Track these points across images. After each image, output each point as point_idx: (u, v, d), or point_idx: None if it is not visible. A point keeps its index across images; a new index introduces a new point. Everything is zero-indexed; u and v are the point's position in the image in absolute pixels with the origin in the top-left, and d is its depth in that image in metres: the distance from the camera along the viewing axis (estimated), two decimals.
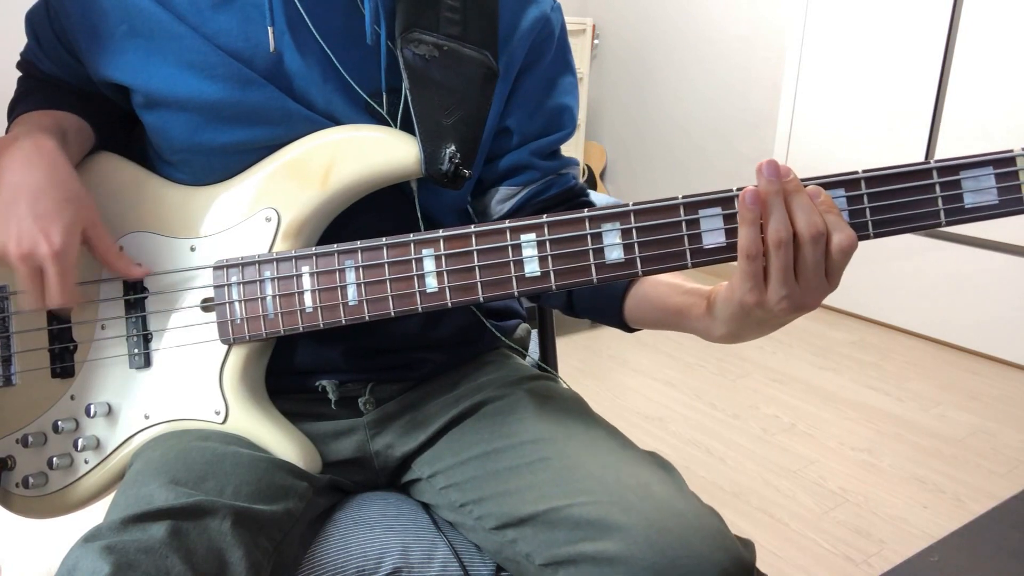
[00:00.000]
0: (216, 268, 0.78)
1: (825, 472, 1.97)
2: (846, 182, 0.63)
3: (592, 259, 0.68)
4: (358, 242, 0.73)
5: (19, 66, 0.91)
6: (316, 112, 0.79)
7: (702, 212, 0.65)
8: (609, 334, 2.84)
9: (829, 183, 0.63)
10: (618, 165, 3.99)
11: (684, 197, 0.66)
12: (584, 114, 3.63)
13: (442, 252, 0.71)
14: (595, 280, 0.68)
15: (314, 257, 0.75)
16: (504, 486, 0.76)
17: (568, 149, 0.91)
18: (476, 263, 0.70)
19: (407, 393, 0.89)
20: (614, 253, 0.67)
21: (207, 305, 0.79)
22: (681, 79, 3.59)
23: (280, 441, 0.79)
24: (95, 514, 0.75)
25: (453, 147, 0.77)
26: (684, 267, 0.67)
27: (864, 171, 0.63)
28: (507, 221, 0.70)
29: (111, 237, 0.79)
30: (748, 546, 0.71)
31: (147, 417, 0.80)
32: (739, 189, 0.63)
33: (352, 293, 0.74)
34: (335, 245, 0.74)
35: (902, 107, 2.80)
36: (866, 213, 0.63)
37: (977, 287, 2.70)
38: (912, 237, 2.83)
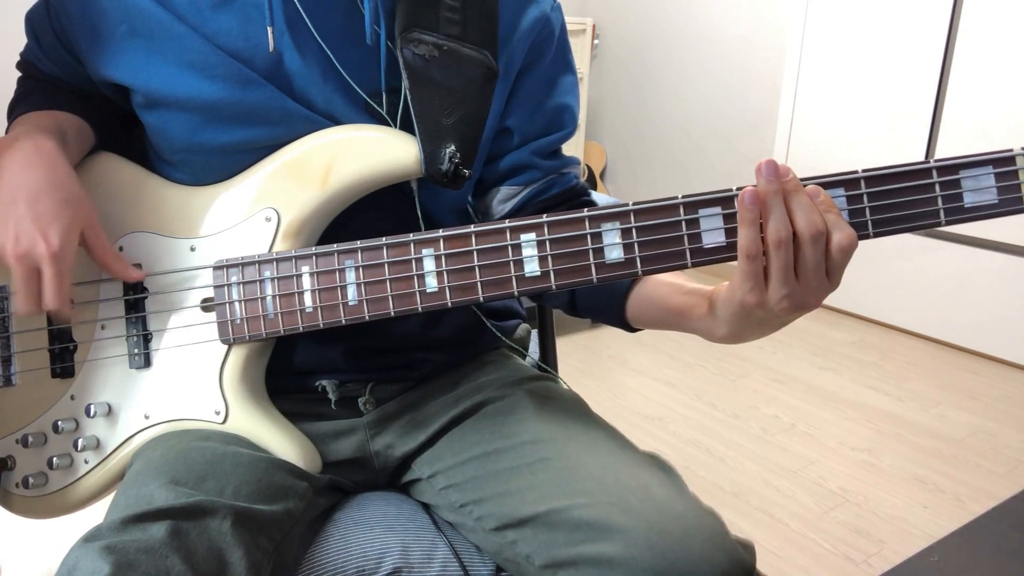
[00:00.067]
0: (216, 268, 0.78)
1: (825, 472, 1.97)
2: (845, 181, 0.63)
3: (592, 259, 0.68)
4: (358, 242, 0.73)
5: (19, 66, 0.91)
6: (316, 112, 0.79)
7: (702, 212, 0.65)
8: (609, 334, 2.84)
9: (828, 182, 0.63)
10: (618, 165, 3.99)
11: (684, 197, 0.66)
12: (584, 114, 3.63)
13: (442, 252, 0.71)
14: (595, 280, 0.68)
15: (314, 257, 0.75)
16: (504, 487, 0.76)
17: (568, 149, 0.91)
18: (476, 263, 0.70)
19: (407, 393, 0.89)
20: (614, 253, 0.67)
21: (207, 305, 0.79)
22: (681, 79, 3.59)
23: (280, 441, 0.79)
24: (95, 514, 0.75)
25: (453, 147, 0.77)
26: (684, 267, 0.67)
27: (864, 170, 0.63)
28: (507, 221, 0.70)
29: (109, 240, 0.79)
30: (748, 548, 0.71)
31: (147, 417, 0.80)
32: (739, 188, 0.63)
33: (352, 293, 0.74)
34: (335, 245, 0.74)
35: (902, 107, 2.80)
36: (866, 212, 0.63)
37: (977, 287, 2.70)
38: (912, 237, 2.83)
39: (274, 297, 0.76)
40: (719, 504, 1.82)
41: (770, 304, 0.62)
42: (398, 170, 0.77)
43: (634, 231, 0.67)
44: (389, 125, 0.79)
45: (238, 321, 0.77)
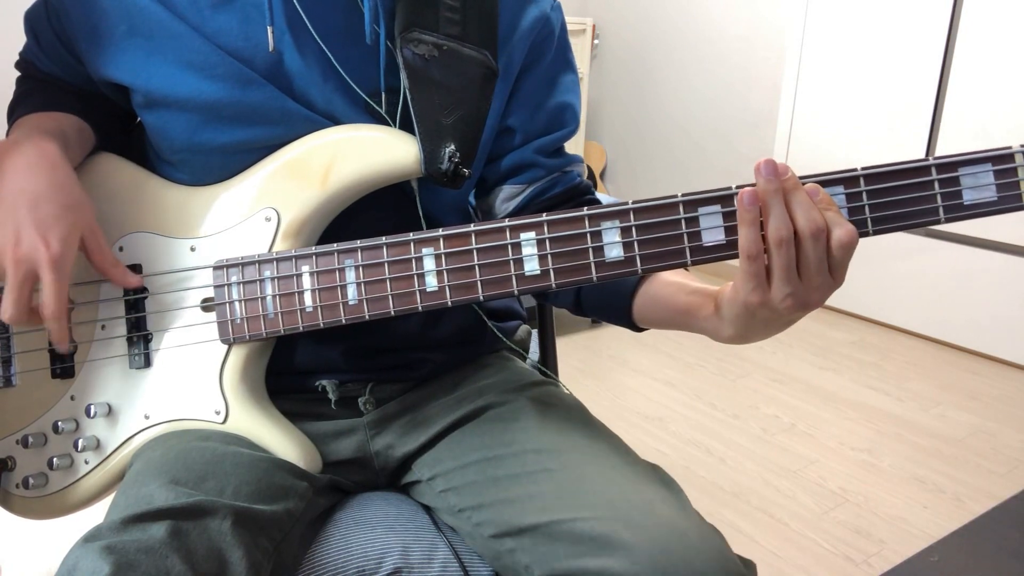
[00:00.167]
0: (216, 268, 0.78)
1: (825, 472, 1.97)
2: (845, 179, 0.63)
3: (592, 257, 0.68)
4: (358, 241, 0.73)
5: (18, 65, 0.91)
6: (316, 112, 0.79)
7: (701, 210, 0.65)
8: (609, 334, 2.84)
9: (828, 180, 0.63)
10: (618, 165, 3.99)
11: (683, 195, 0.66)
12: (584, 114, 3.63)
13: (442, 251, 0.71)
14: (595, 279, 0.68)
15: (314, 256, 0.75)
16: (504, 494, 0.76)
17: (568, 149, 0.91)
18: (476, 262, 0.70)
19: (407, 394, 0.89)
20: (613, 251, 0.67)
21: (207, 305, 0.79)
22: (681, 79, 3.60)
23: (280, 441, 0.79)
24: (95, 514, 0.75)
25: (453, 146, 0.77)
26: (684, 265, 0.67)
27: (863, 168, 0.63)
28: (506, 220, 0.70)
29: (109, 240, 0.79)
30: (750, 566, 0.71)
31: (147, 417, 0.80)
32: (738, 187, 0.63)
33: (352, 292, 0.74)
34: (335, 244, 0.74)
35: (902, 107, 2.80)
36: (865, 210, 0.63)
37: (977, 287, 2.70)
38: (912, 237, 2.83)
39: (274, 297, 0.76)
40: (719, 504, 1.82)
41: (774, 303, 0.62)
42: (398, 170, 0.77)
43: (634, 230, 0.67)
44: (389, 125, 0.79)
45: (238, 321, 0.77)
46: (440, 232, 0.71)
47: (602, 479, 0.73)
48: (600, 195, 0.95)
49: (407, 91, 0.77)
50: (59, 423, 0.80)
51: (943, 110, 2.69)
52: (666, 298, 0.76)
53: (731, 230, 0.65)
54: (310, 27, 0.77)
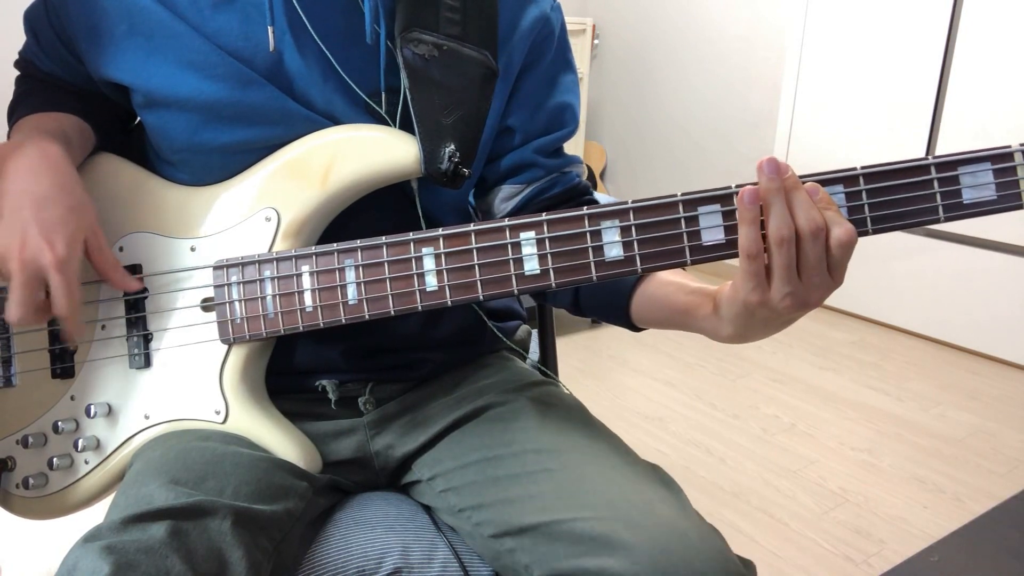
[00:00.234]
0: (216, 268, 0.78)
1: (825, 472, 1.97)
2: (844, 178, 0.63)
3: (591, 257, 0.68)
4: (357, 241, 0.73)
5: (17, 65, 0.91)
6: (316, 112, 0.79)
7: (701, 209, 0.65)
8: (609, 334, 2.84)
9: (827, 180, 0.63)
10: (618, 165, 3.99)
11: (683, 194, 0.66)
12: (584, 114, 3.63)
13: (441, 250, 0.71)
14: (594, 278, 0.68)
15: (314, 256, 0.75)
16: (504, 494, 0.76)
17: (568, 149, 0.91)
18: (476, 261, 0.70)
19: (407, 394, 0.89)
20: (613, 251, 0.67)
21: (207, 305, 0.79)
22: (681, 79, 3.60)
23: (280, 441, 0.79)
24: (95, 514, 0.75)
25: (452, 146, 0.77)
26: (683, 264, 0.67)
27: (862, 167, 0.63)
28: (506, 219, 0.70)
29: (110, 240, 0.79)
30: (749, 567, 0.71)
31: (147, 417, 0.80)
32: (738, 186, 0.63)
33: (352, 292, 0.74)
34: (335, 244, 0.74)
35: (902, 107, 2.80)
36: (865, 209, 0.63)
37: (977, 287, 2.70)
38: (912, 237, 2.83)
39: (274, 296, 0.76)
40: (719, 504, 1.82)
41: (773, 303, 0.62)
42: (398, 169, 0.77)
43: (633, 229, 0.67)
44: (389, 125, 0.79)
45: (238, 321, 0.77)
46: (440, 232, 0.71)
47: (602, 479, 0.73)
48: (600, 195, 0.95)
49: (407, 91, 0.77)
50: (59, 423, 0.80)
51: (943, 110, 2.70)
52: (664, 298, 0.76)
53: (731, 229, 0.65)
54: (310, 27, 0.77)
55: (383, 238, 0.73)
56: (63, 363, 0.82)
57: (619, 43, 3.85)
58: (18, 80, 0.90)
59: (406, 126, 0.79)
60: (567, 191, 0.87)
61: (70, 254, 0.72)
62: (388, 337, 0.86)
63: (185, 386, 0.80)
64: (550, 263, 0.69)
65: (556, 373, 1.14)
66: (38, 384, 0.82)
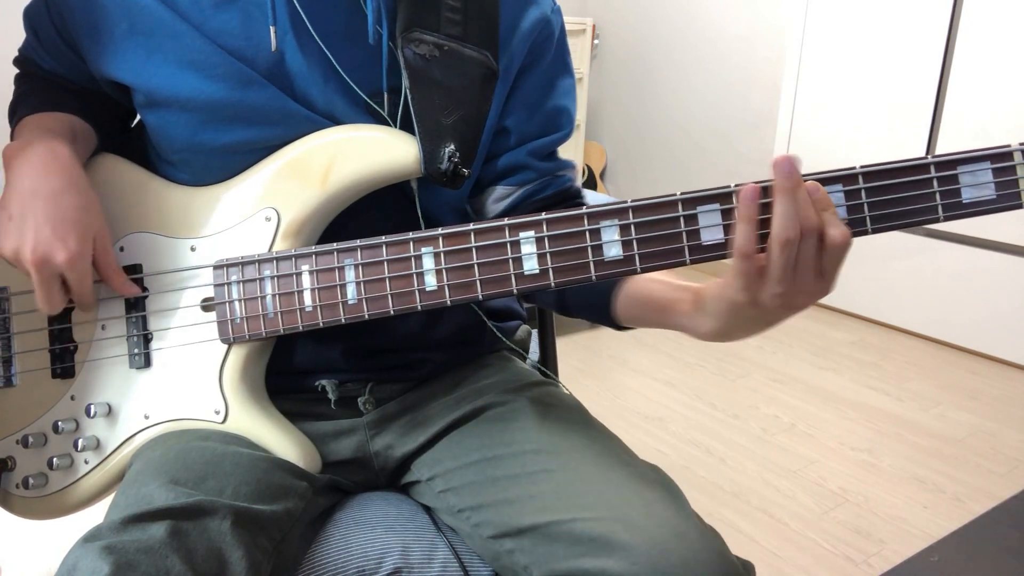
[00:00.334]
0: (216, 267, 0.78)
1: (825, 472, 1.97)
2: (844, 177, 0.63)
3: (591, 256, 0.68)
4: (357, 241, 0.73)
5: (17, 63, 0.90)
6: (316, 112, 0.79)
7: (700, 209, 0.65)
8: (609, 334, 2.84)
9: (827, 179, 0.63)
10: (618, 165, 3.99)
11: (682, 194, 0.66)
12: (584, 114, 3.63)
13: (441, 250, 0.71)
14: (594, 277, 0.68)
15: (313, 256, 0.75)
16: (503, 494, 0.76)
17: (568, 149, 0.91)
18: (475, 260, 0.70)
19: (407, 394, 0.88)
20: (613, 250, 0.67)
21: (207, 305, 0.79)
22: (681, 79, 3.60)
23: (280, 441, 0.79)
24: (95, 514, 0.75)
25: (452, 146, 0.77)
26: (683, 264, 0.67)
27: (862, 167, 0.63)
28: (506, 219, 0.70)
29: (114, 253, 0.79)
30: (748, 568, 0.71)
31: (147, 417, 0.80)
32: (737, 186, 0.63)
33: (351, 292, 0.74)
34: (334, 244, 0.74)
35: (902, 107, 2.80)
36: (864, 208, 0.63)
37: (977, 287, 2.70)
38: (912, 237, 2.83)
39: (274, 296, 0.76)
40: (719, 504, 1.82)
41: (762, 302, 0.61)
42: (397, 169, 0.77)
43: (633, 228, 0.67)
44: (389, 125, 0.79)
45: (238, 320, 0.77)
46: (439, 231, 0.71)
47: (601, 480, 0.73)
48: (598, 195, 0.95)
49: (407, 91, 0.77)
50: (59, 423, 0.81)
51: (943, 110, 2.70)
52: (645, 295, 0.76)
53: (730, 229, 0.65)
54: (311, 28, 0.77)
55: (383, 238, 0.73)
56: (63, 363, 0.82)
57: (619, 43, 3.85)
58: (18, 79, 0.90)
59: (406, 126, 0.79)
60: (559, 194, 0.87)
61: (82, 251, 0.74)
62: (388, 337, 0.86)
63: (185, 386, 0.80)
64: (549, 263, 0.69)
65: (556, 373, 1.14)
66: (38, 384, 0.82)
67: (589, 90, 3.75)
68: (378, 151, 0.77)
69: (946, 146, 2.72)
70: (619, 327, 0.83)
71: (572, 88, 0.89)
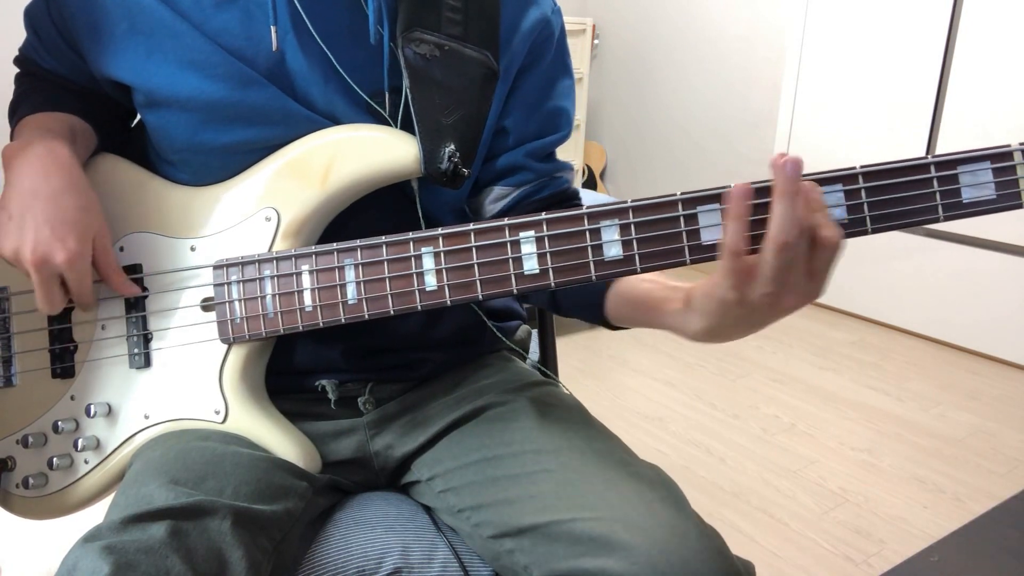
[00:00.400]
0: (216, 267, 0.78)
1: (825, 472, 1.97)
2: (844, 177, 0.63)
3: (591, 256, 0.68)
4: (357, 240, 0.73)
5: (17, 62, 0.90)
6: (317, 112, 0.79)
7: (700, 209, 0.65)
8: (609, 334, 2.83)
9: (826, 179, 0.62)
10: (618, 165, 3.99)
11: (682, 194, 0.65)
12: (584, 114, 3.63)
13: (441, 250, 0.71)
14: (594, 277, 0.68)
15: (313, 256, 0.75)
16: (503, 494, 0.76)
17: (567, 149, 0.91)
18: (475, 260, 0.70)
19: (407, 394, 0.89)
20: (613, 250, 0.67)
21: (207, 304, 0.79)
22: (681, 79, 3.60)
23: (280, 441, 0.79)
24: (95, 514, 0.75)
25: (452, 146, 0.77)
26: (683, 263, 0.66)
27: (861, 167, 0.62)
28: (506, 219, 0.70)
29: (114, 253, 0.79)
30: (748, 568, 0.71)
31: (147, 417, 0.80)
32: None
33: (351, 291, 0.74)
34: (334, 244, 0.74)
35: (902, 107, 2.80)
36: (864, 208, 0.63)
37: (977, 287, 2.70)
38: (912, 237, 2.83)
39: (274, 296, 0.76)
40: (719, 504, 1.82)
41: (750, 301, 0.61)
42: (398, 169, 0.77)
43: (633, 228, 0.67)
44: (390, 125, 0.79)
45: (238, 320, 0.77)
46: (439, 231, 0.71)
47: (601, 479, 0.73)
48: (597, 195, 0.95)
49: (408, 91, 0.77)
50: (59, 423, 0.81)
51: (943, 110, 2.69)
52: (635, 294, 0.76)
53: None
54: (312, 28, 0.77)
55: (383, 238, 0.73)
56: (63, 363, 0.82)
57: (619, 43, 3.85)
58: (18, 78, 0.90)
59: (406, 126, 0.79)
60: (555, 195, 0.87)
61: (82, 251, 0.74)
62: (388, 337, 0.86)
63: (185, 386, 0.80)
64: (549, 262, 0.69)
65: (556, 373, 1.14)
66: (38, 384, 0.82)
67: (589, 90, 3.75)
68: (378, 151, 0.77)
69: (946, 146, 2.72)
70: (612, 327, 0.83)
71: (571, 89, 0.89)
